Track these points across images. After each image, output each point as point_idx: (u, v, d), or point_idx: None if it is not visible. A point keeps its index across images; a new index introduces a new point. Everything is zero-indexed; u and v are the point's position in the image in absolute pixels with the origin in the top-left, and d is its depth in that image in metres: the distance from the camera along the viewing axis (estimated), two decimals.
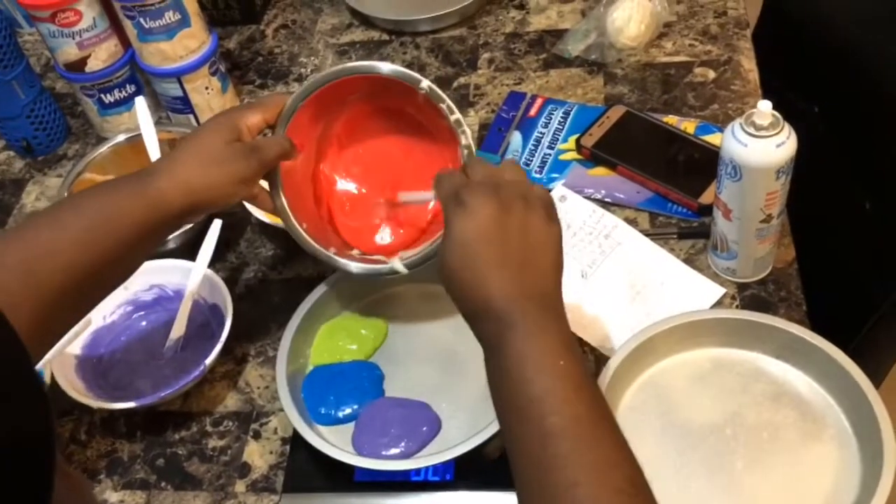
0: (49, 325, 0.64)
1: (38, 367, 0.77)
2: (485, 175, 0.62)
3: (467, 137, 0.74)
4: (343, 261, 0.77)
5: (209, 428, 0.80)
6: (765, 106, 0.71)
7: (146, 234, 0.67)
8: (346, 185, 0.82)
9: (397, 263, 0.75)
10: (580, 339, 0.79)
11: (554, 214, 0.62)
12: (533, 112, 1.00)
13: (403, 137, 0.80)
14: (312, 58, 1.13)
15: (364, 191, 0.82)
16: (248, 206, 0.88)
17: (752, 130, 0.71)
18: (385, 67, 0.74)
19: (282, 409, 0.76)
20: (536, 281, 0.59)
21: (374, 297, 0.84)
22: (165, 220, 0.68)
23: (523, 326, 0.57)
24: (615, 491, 0.52)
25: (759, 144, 0.71)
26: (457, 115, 0.74)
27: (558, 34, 1.08)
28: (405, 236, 0.80)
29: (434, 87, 0.74)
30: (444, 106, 0.74)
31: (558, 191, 0.92)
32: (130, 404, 0.78)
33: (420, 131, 0.79)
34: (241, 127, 0.71)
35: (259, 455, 0.78)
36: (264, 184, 0.76)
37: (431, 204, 0.77)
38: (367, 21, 1.16)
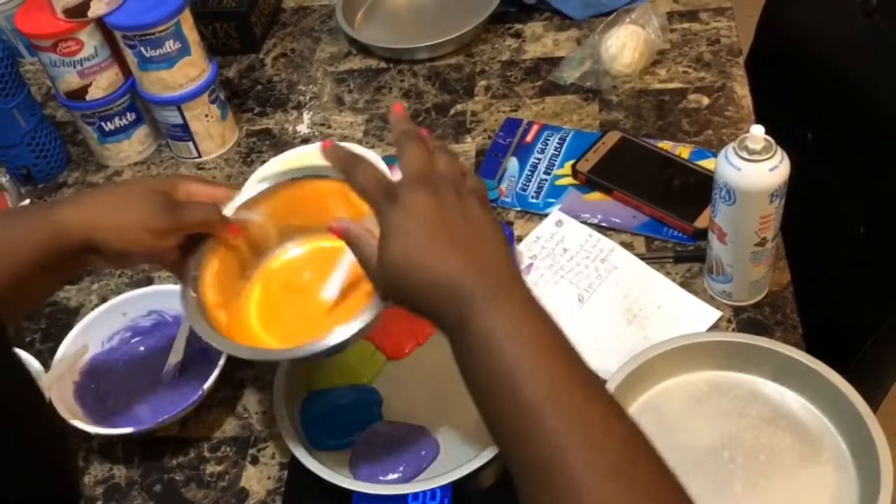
0: None
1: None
2: (415, 163, 0.59)
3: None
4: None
5: (207, 453, 0.80)
6: (758, 130, 0.72)
7: (44, 263, 0.65)
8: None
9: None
10: None
11: (488, 206, 0.61)
12: (529, 138, 1.01)
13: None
14: (311, 86, 1.14)
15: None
16: None
17: (745, 154, 0.72)
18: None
19: (280, 435, 0.76)
20: (489, 256, 0.57)
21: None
22: (63, 250, 0.65)
23: (483, 301, 0.54)
24: (604, 453, 0.49)
25: (753, 168, 0.72)
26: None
27: (554, 62, 1.09)
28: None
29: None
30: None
31: (555, 216, 0.92)
32: (128, 430, 0.78)
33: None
34: (177, 185, 0.69)
35: (257, 480, 0.78)
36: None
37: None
38: (364, 49, 1.17)
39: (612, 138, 0.97)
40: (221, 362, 0.80)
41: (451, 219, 0.58)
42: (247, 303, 0.75)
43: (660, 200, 0.90)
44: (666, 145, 0.96)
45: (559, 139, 1.00)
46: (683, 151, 0.95)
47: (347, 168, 0.62)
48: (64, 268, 0.69)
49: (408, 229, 0.57)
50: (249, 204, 0.74)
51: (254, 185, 0.75)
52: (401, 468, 0.73)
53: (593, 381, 0.54)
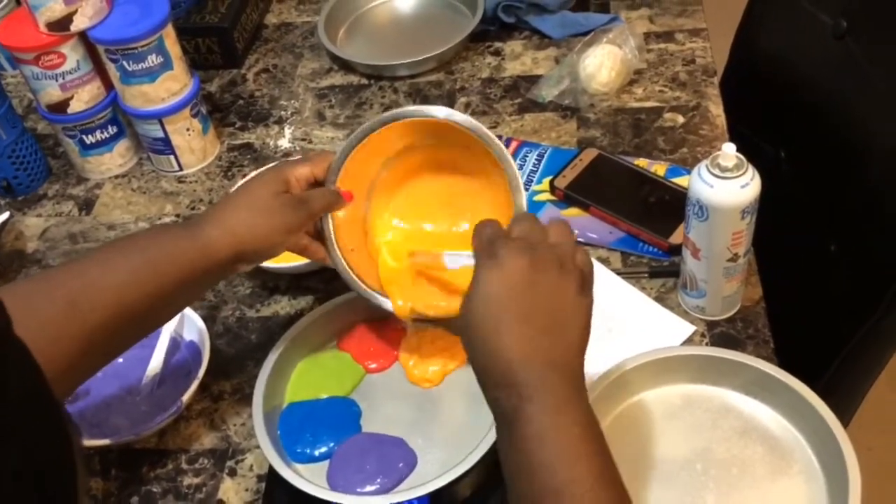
0: (87, 360, 0.66)
1: None
2: (525, 231, 0.60)
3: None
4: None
5: (184, 465, 0.80)
6: (729, 148, 0.73)
7: (192, 280, 0.69)
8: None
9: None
10: None
11: (589, 287, 0.60)
12: None
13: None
14: (293, 101, 1.15)
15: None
16: None
17: (717, 172, 0.74)
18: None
19: (258, 447, 0.76)
20: (559, 349, 0.57)
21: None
22: (211, 267, 0.69)
23: (543, 400, 0.55)
24: None
25: (725, 185, 0.73)
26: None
27: (533, 80, 1.11)
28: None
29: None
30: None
31: None
32: (105, 441, 0.78)
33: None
34: (289, 179, 0.73)
35: (234, 492, 0.78)
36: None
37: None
38: (346, 66, 1.18)
39: (589, 155, 0.98)
40: (200, 374, 0.80)
41: (540, 296, 0.57)
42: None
43: (636, 217, 0.92)
44: (642, 162, 0.98)
45: (537, 155, 1.01)
46: (659, 169, 0.97)
47: (477, 228, 0.63)
48: (209, 281, 0.74)
49: (492, 293, 0.57)
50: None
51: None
52: (379, 480, 0.73)
53: (620, 481, 0.57)
